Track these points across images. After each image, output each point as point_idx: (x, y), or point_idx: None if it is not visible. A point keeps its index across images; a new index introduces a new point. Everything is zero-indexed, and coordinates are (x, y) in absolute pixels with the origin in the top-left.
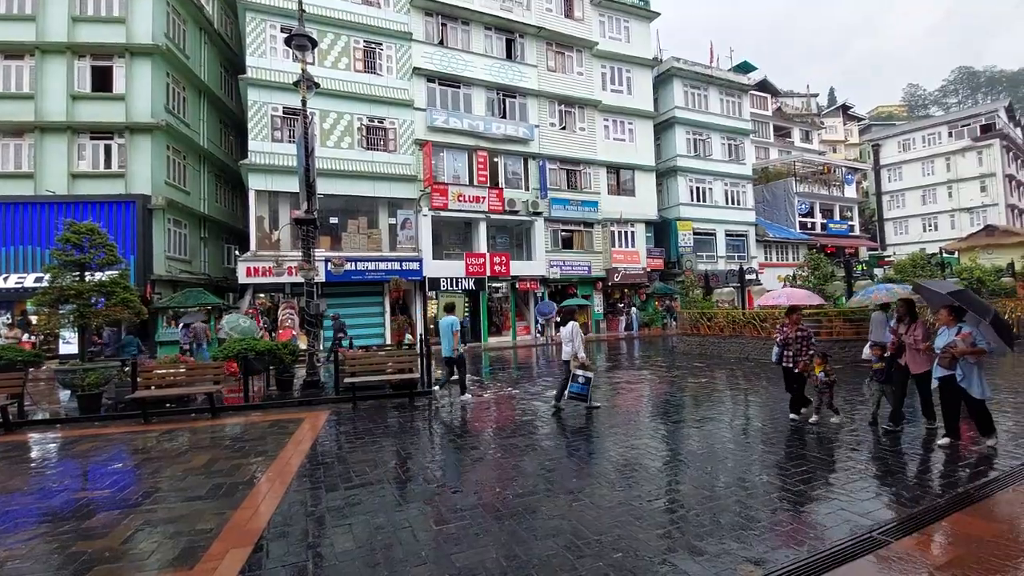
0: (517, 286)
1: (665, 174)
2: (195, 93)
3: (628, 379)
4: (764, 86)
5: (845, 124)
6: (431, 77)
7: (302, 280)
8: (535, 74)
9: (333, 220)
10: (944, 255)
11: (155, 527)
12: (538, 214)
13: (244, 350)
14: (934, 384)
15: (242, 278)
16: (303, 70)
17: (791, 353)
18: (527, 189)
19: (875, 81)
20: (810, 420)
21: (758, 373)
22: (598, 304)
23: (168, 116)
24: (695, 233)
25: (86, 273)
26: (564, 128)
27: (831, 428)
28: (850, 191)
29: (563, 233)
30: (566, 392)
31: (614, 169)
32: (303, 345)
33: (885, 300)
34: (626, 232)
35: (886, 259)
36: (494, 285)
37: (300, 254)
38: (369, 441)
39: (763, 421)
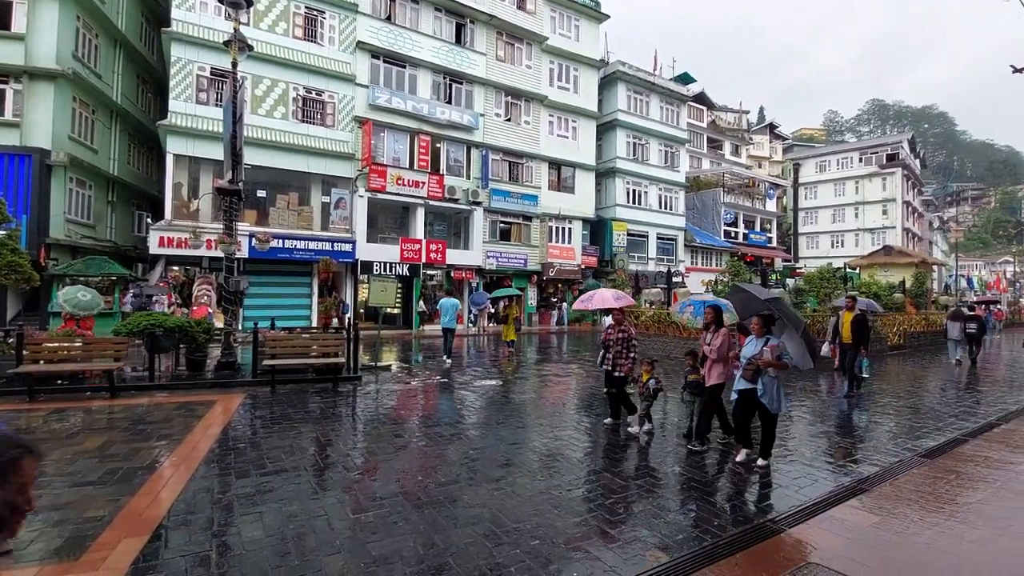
0: (452, 275)
1: (604, 174)
2: (110, 42)
3: (556, 372)
4: (701, 98)
5: (771, 142)
6: (376, 53)
7: (222, 254)
8: (484, 62)
9: (261, 193)
10: (847, 270)
11: (36, 514)
12: (478, 204)
13: (151, 326)
14: (732, 396)
15: (154, 248)
16: (236, 30)
17: (611, 356)
18: (468, 178)
19: (800, 104)
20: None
21: (677, 371)
22: (532, 297)
23: (76, 64)
24: (629, 234)
25: None
26: (509, 120)
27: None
28: (771, 205)
29: (502, 225)
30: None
31: (556, 165)
32: (219, 324)
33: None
34: (563, 228)
35: (798, 271)
36: (429, 272)
37: (221, 226)
38: (287, 427)
39: (679, 416)
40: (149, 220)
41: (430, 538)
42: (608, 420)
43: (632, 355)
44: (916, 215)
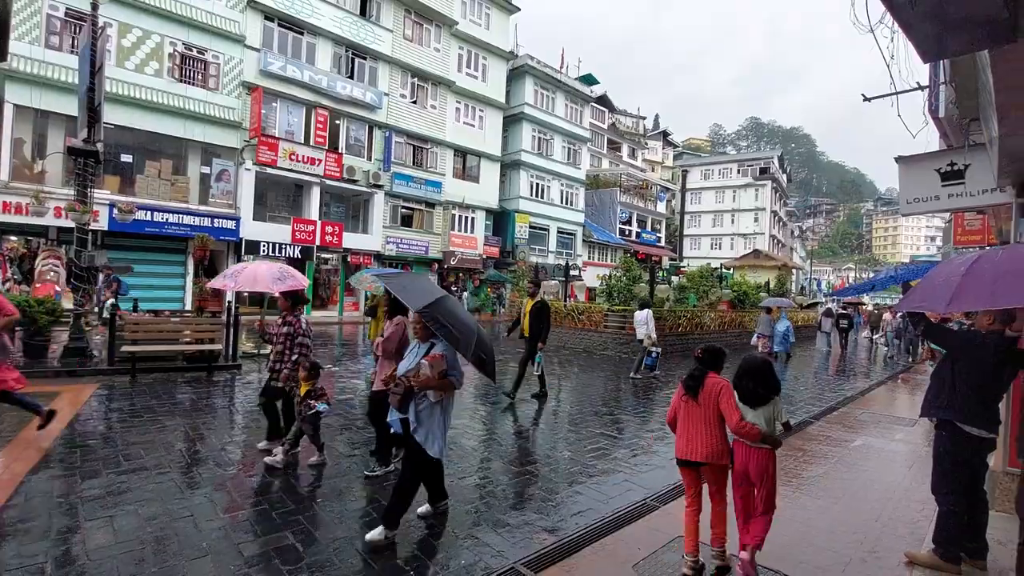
0: (349, 259)
1: (509, 166)
2: None
3: None
4: (604, 101)
5: (664, 148)
6: (270, 15)
7: (73, 224)
8: (390, 39)
9: (126, 158)
10: (723, 270)
11: None
12: (379, 187)
13: None
14: (393, 428)
15: None
16: None
17: (271, 356)
18: (370, 159)
19: (690, 114)
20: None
21: (571, 360)
22: None
23: None
24: (531, 227)
25: None
26: (415, 102)
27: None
28: (661, 207)
29: (403, 210)
30: (642, 365)
31: (461, 153)
32: (68, 304)
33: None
34: (467, 217)
35: (682, 269)
36: (323, 256)
37: (73, 192)
38: (148, 420)
39: (571, 405)
40: None
41: (311, 534)
42: (263, 443)
43: (295, 357)
44: (781, 223)
